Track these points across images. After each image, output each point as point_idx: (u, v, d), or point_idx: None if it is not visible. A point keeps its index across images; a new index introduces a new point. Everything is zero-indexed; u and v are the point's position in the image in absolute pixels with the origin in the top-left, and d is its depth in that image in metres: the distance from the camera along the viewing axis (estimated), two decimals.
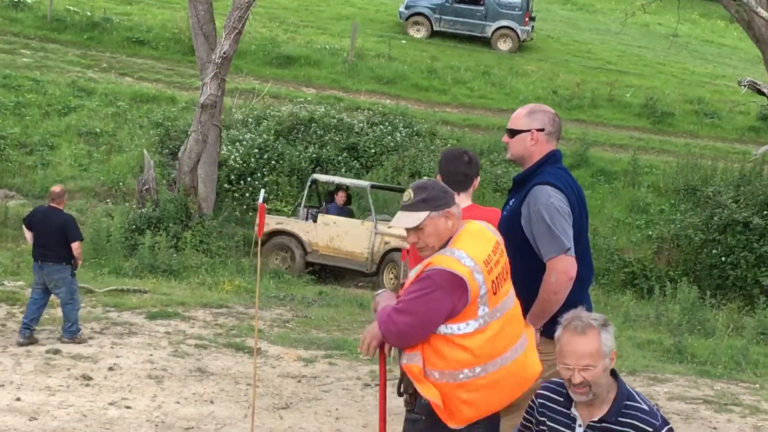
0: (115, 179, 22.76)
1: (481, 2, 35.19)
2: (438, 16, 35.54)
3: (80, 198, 22.05)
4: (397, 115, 26.63)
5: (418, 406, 4.87)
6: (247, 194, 23.03)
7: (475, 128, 27.80)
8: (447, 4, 35.37)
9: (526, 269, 5.38)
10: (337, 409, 10.05)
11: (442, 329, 4.73)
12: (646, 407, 4.35)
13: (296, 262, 20.33)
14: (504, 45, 35.49)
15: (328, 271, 21.02)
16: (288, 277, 19.62)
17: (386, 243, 19.58)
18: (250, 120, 25.36)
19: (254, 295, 12.16)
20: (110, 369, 11.02)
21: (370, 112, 26.83)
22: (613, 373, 4.42)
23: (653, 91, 31.49)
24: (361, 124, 25.80)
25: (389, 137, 25.32)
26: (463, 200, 6.08)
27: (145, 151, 21.16)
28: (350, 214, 20.88)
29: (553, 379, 4.70)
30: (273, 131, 24.82)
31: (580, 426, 4.45)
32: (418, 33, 35.82)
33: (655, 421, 4.30)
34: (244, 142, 24.08)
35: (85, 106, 25.37)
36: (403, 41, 34.64)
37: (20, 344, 11.90)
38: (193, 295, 16.05)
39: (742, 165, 24.22)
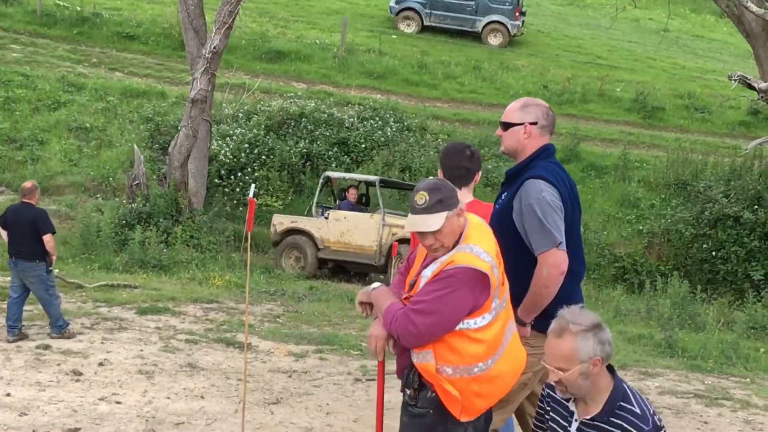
0: (105, 174, 22.69)
1: None
2: (428, 11, 35.56)
3: (70, 193, 22.00)
4: (387, 110, 26.64)
5: (422, 400, 4.84)
6: (238, 189, 23.01)
7: (465, 123, 27.80)
8: None
9: (517, 263, 5.37)
10: (327, 404, 10.03)
11: (458, 325, 4.72)
12: (638, 410, 4.30)
13: (308, 260, 20.34)
14: (494, 40, 35.50)
15: (341, 272, 21.03)
16: (278, 272, 19.63)
17: (393, 234, 19.62)
18: (240, 115, 25.33)
19: (245, 290, 12.13)
20: (100, 364, 10.98)
21: (361, 106, 26.82)
22: (612, 371, 4.40)
23: (644, 86, 31.55)
24: (352, 119, 25.79)
25: (380, 132, 25.32)
26: (465, 195, 6.07)
27: (136, 146, 21.11)
28: (363, 212, 20.91)
29: None
30: (263, 126, 24.80)
31: (576, 421, 4.45)
32: (409, 28, 35.83)
33: (644, 426, 4.25)
34: (235, 137, 24.05)
35: (75, 101, 25.30)
36: (394, 36, 34.63)
37: (10, 342, 11.88)
38: (184, 291, 16.03)
39: (732, 159, 24.25)
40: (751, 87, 21.44)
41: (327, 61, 30.90)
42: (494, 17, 35.27)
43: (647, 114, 30.22)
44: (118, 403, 9.51)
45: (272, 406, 9.83)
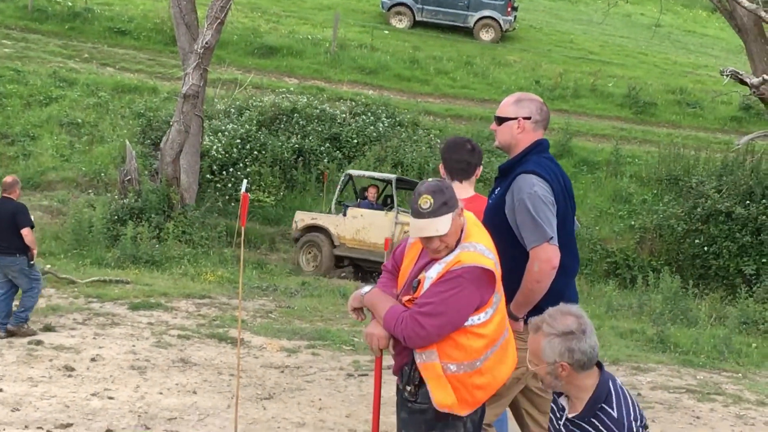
0: (97, 170, 22.66)
1: None
2: (420, 6, 35.50)
3: (62, 189, 21.97)
4: (379, 106, 26.65)
5: (422, 396, 4.84)
6: (230, 185, 23.00)
7: (457, 118, 27.81)
8: None
9: (510, 258, 5.36)
10: (320, 399, 10.03)
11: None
12: (615, 414, 4.26)
13: (323, 258, 20.33)
14: (486, 35, 35.48)
15: (356, 273, 21.04)
16: (271, 268, 19.62)
17: (406, 232, 19.59)
18: (232, 110, 25.31)
19: (237, 285, 12.15)
20: (93, 360, 10.97)
21: (353, 102, 26.82)
22: (601, 369, 4.38)
23: (635, 81, 31.56)
24: (344, 115, 25.80)
25: (372, 127, 25.33)
26: (466, 189, 6.07)
27: (127, 142, 21.08)
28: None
29: None
30: (255, 121, 24.79)
31: (563, 417, 4.46)
32: (401, 23, 35.79)
33: (618, 431, 4.23)
34: (227, 133, 24.03)
35: (66, 96, 25.24)
36: (386, 31, 34.60)
37: (1, 338, 11.86)
38: (176, 286, 16.01)
39: (724, 155, 24.26)
40: (742, 82, 21.43)
41: (319, 57, 30.87)
42: (486, 12, 35.23)
43: (639, 109, 30.25)
44: (111, 398, 9.50)
45: (265, 401, 9.83)
